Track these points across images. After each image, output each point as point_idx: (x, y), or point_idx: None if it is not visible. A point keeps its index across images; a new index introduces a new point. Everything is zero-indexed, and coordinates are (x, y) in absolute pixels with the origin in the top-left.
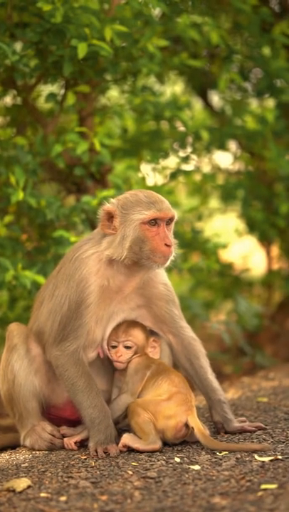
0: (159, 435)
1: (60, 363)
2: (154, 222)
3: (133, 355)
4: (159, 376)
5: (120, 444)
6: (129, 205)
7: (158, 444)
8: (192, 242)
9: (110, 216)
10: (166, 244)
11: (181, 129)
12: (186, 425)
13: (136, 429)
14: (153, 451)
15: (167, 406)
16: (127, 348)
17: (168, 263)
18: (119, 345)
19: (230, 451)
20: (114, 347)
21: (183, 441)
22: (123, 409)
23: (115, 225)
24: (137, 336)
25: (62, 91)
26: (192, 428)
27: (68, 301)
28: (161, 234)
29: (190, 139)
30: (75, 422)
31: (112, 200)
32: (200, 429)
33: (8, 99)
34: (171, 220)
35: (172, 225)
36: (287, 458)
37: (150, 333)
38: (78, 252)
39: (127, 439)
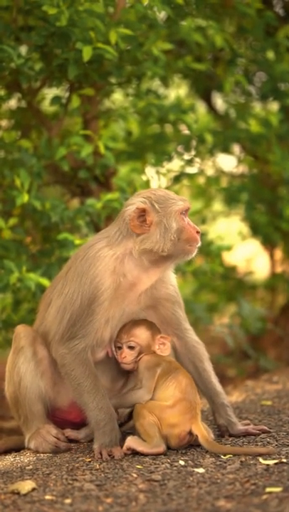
0: (163, 439)
1: (67, 361)
2: (185, 212)
3: (138, 356)
4: (168, 376)
5: (124, 447)
6: (162, 199)
7: (162, 448)
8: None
9: (142, 215)
10: (196, 231)
11: (185, 132)
12: (190, 433)
13: (140, 431)
14: (157, 455)
15: (171, 414)
16: (131, 348)
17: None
18: (122, 346)
19: (235, 455)
20: (119, 348)
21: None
22: (135, 403)
23: (150, 222)
24: (140, 335)
25: (67, 94)
26: (196, 436)
27: (81, 297)
28: (190, 223)
29: (194, 142)
30: (80, 425)
31: (136, 201)
32: (204, 436)
33: (13, 102)
34: None
35: None
36: None
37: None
38: (92, 250)
39: (131, 441)
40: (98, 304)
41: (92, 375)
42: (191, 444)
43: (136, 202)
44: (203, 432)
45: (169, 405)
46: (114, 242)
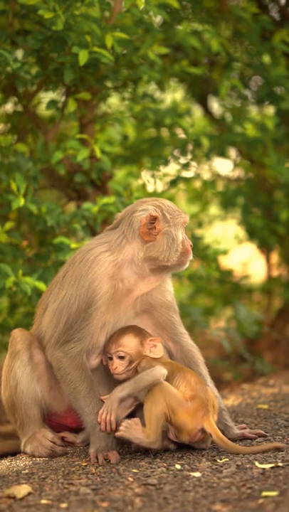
0: (171, 433)
1: (63, 365)
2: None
3: (130, 365)
4: (174, 377)
5: (118, 434)
6: (170, 209)
7: (157, 445)
8: (192, 248)
9: (152, 222)
10: (190, 245)
11: (182, 136)
12: (203, 430)
13: (146, 415)
14: (149, 448)
15: (186, 409)
16: (120, 358)
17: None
18: (112, 357)
19: (254, 454)
20: (110, 358)
21: (183, 448)
22: (151, 383)
23: (158, 230)
24: (128, 344)
25: (63, 98)
26: (209, 434)
27: (78, 301)
28: (186, 236)
29: (190, 146)
30: (76, 430)
31: (147, 208)
32: (218, 434)
33: (9, 106)
34: None
35: None
36: (287, 465)
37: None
38: (91, 254)
39: (127, 432)
40: (95, 308)
41: (87, 379)
42: (188, 447)
43: (148, 208)
44: (216, 430)
45: (187, 398)
46: (115, 247)
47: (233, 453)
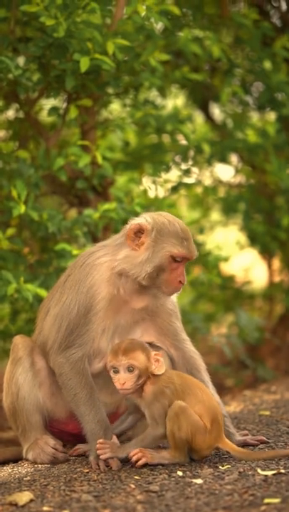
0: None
1: (64, 371)
2: (180, 259)
3: (138, 380)
4: (185, 394)
5: (140, 463)
6: (165, 232)
7: (185, 461)
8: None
9: (141, 232)
10: (180, 281)
11: (183, 142)
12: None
13: (170, 437)
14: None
15: (205, 437)
16: (130, 371)
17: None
18: (120, 370)
19: (272, 459)
20: (115, 371)
21: None
22: (156, 443)
23: (142, 243)
24: (138, 357)
25: (65, 105)
26: (227, 451)
27: (77, 306)
28: (179, 270)
29: (191, 152)
30: (78, 436)
31: (146, 217)
32: (235, 449)
33: (10, 113)
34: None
35: None
36: None
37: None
38: (90, 258)
39: (153, 459)
40: (94, 313)
41: (88, 386)
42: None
43: (144, 218)
44: (232, 447)
45: (206, 424)
46: (112, 251)
47: (251, 460)
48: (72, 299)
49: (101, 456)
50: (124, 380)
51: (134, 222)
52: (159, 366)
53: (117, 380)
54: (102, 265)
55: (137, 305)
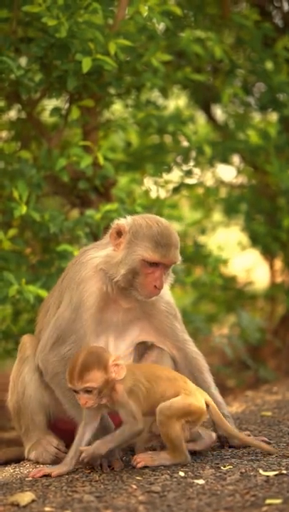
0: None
1: (61, 370)
2: (155, 264)
3: (99, 394)
4: (151, 383)
5: (140, 465)
6: (140, 235)
7: (188, 459)
8: (195, 255)
9: (120, 233)
10: (155, 286)
11: (185, 142)
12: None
13: (166, 441)
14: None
15: (192, 405)
16: (88, 392)
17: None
18: (79, 392)
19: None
20: (75, 391)
21: None
22: (134, 438)
23: (120, 243)
24: (94, 377)
25: (67, 105)
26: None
27: (70, 303)
28: (156, 275)
29: (193, 153)
30: None
31: (128, 218)
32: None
33: (12, 113)
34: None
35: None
36: None
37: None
38: (82, 256)
39: (154, 461)
40: (85, 310)
41: None
42: (192, 453)
43: (126, 219)
44: (229, 428)
45: (184, 393)
46: (100, 249)
47: (244, 444)
48: (66, 297)
49: (81, 457)
50: (85, 400)
51: (117, 222)
52: (119, 371)
53: (79, 399)
54: (90, 262)
55: (125, 304)
